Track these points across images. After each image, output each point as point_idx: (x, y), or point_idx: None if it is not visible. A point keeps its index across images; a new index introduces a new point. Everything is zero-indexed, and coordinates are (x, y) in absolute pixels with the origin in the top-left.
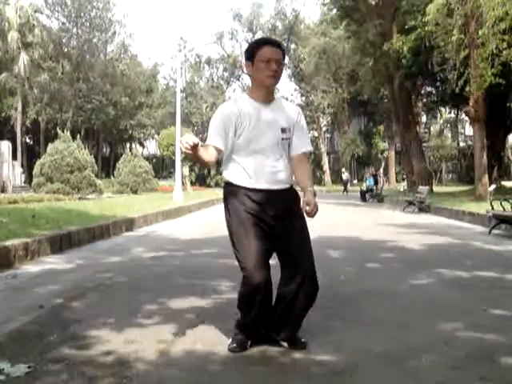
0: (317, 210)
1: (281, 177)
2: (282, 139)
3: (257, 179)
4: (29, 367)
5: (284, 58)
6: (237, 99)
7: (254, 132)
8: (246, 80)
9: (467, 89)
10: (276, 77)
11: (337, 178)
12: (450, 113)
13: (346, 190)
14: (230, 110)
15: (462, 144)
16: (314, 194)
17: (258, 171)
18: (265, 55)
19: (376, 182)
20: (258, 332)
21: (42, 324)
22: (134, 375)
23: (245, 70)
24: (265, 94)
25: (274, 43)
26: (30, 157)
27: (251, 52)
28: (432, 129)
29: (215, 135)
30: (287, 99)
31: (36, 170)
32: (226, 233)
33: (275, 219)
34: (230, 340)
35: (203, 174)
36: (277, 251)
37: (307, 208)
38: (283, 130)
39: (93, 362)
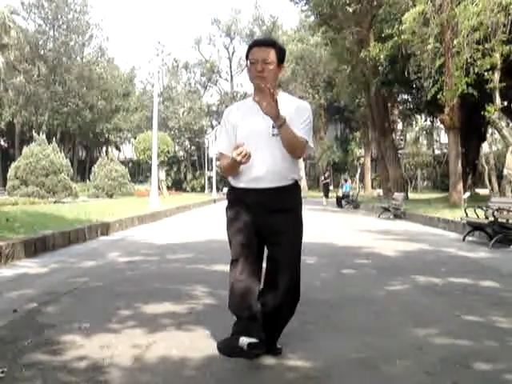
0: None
1: (265, 175)
2: (273, 135)
3: (242, 180)
4: (1, 372)
5: (278, 54)
6: (241, 102)
7: (245, 131)
8: (224, 85)
9: (439, 96)
10: (263, 77)
11: (313, 184)
12: (425, 120)
13: None
14: (228, 113)
15: (437, 151)
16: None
17: (245, 170)
18: (251, 57)
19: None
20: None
21: (16, 329)
22: (108, 381)
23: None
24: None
25: (262, 43)
26: (4, 160)
27: (246, 56)
28: (408, 136)
29: (220, 141)
30: None
31: (11, 173)
32: (202, 238)
33: (266, 217)
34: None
35: (179, 178)
36: (268, 249)
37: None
38: (274, 126)
39: (67, 367)
